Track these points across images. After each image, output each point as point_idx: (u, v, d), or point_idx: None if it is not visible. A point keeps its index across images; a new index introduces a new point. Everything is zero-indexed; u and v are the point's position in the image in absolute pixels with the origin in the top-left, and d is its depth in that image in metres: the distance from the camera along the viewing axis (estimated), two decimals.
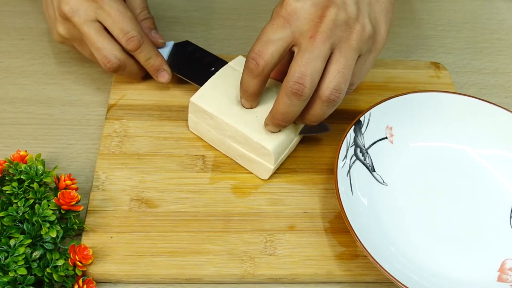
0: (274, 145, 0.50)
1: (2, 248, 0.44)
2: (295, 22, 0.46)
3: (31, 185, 0.47)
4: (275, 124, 0.50)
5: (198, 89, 0.54)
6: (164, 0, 0.71)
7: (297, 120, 0.50)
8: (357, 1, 0.46)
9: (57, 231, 0.45)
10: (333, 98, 0.46)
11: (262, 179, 0.53)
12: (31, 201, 0.46)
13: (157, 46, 0.58)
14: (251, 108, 0.52)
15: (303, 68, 0.45)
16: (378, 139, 0.55)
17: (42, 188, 0.47)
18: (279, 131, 0.51)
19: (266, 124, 0.50)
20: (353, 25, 0.46)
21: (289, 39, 0.46)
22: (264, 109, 0.52)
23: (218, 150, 0.55)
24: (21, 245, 0.44)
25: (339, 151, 0.51)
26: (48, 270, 0.44)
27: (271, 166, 0.52)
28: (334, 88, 0.46)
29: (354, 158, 0.52)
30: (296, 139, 0.54)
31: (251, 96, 0.50)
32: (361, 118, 0.53)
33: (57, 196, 0.47)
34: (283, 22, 0.46)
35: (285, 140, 0.52)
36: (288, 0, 0.46)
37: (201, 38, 0.67)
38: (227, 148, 0.54)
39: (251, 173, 0.54)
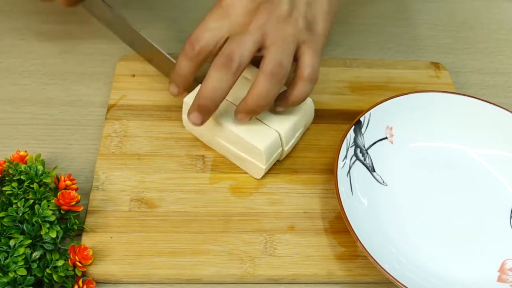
0: (265, 145, 0.50)
1: (2, 249, 0.44)
2: (233, 14, 0.48)
3: (31, 186, 0.47)
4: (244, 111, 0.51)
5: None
6: (164, 0, 0.71)
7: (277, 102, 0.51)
8: (293, 0, 0.49)
9: (57, 232, 0.45)
10: (277, 71, 0.48)
11: (262, 179, 0.53)
12: (31, 201, 0.46)
13: None
14: (178, 95, 0.52)
15: (234, 45, 0.47)
16: (378, 139, 0.55)
17: (42, 189, 0.47)
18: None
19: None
20: (287, 19, 0.49)
21: (225, 29, 0.48)
22: None
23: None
24: (21, 246, 0.44)
25: (339, 151, 0.51)
26: (48, 270, 0.44)
27: (263, 166, 0.52)
28: (276, 60, 0.48)
29: (354, 158, 0.52)
30: (292, 141, 0.54)
31: (181, 78, 0.51)
32: (361, 118, 0.53)
33: (57, 197, 0.47)
34: (222, 13, 0.49)
35: (277, 140, 0.52)
36: None
37: None
38: (221, 148, 0.54)
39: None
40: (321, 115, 0.57)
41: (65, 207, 0.47)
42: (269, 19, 0.48)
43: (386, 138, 0.55)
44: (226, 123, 0.51)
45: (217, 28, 0.48)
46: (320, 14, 0.51)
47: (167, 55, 0.57)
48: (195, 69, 0.50)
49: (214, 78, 0.48)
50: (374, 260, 0.44)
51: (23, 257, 0.43)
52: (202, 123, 0.50)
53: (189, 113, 0.50)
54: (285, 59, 0.48)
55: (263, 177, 0.53)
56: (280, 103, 0.51)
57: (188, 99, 0.53)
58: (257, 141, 0.50)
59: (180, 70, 0.50)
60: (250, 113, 0.50)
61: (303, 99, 0.51)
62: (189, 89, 0.52)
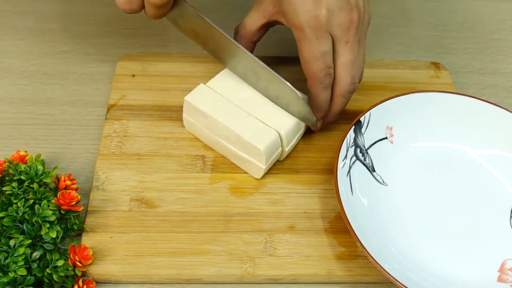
0: (265, 145, 0.50)
1: (2, 249, 0.44)
2: (332, 29, 0.50)
3: (31, 186, 0.47)
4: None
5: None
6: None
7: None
8: None
9: (57, 232, 0.45)
10: (352, 89, 0.53)
11: (262, 179, 0.53)
12: (31, 201, 0.46)
13: None
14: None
15: (354, 72, 0.52)
16: (378, 139, 0.55)
17: (42, 189, 0.47)
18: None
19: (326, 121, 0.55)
20: (365, 19, 0.53)
21: (331, 44, 0.51)
22: (257, 110, 0.52)
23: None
24: (21, 246, 0.44)
25: (339, 151, 0.51)
26: (48, 270, 0.44)
27: (263, 166, 0.52)
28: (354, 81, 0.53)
29: (354, 158, 0.52)
30: (293, 142, 0.54)
31: (323, 108, 0.54)
32: (361, 118, 0.53)
33: (57, 196, 0.47)
34: (325, 33, 0.50)
35: (277, 140, 0.52)
36: (321, 10, 0.49)
37: None
38: (221, 148, 0.54)
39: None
40: None
41: (65, 207, 0.47)
42: (358, 27, 0.51)
43: (386, 138, 0.55)
44: (226, 122, 0.51)
45: (330, 48, 0.51)
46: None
47: (267, 67, 0.52)
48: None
49: (319, 95, 0.52)
50: (374, 260, 0.44)
51: (23, 257, 0.43)
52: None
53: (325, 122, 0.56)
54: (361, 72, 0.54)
55: (263, 177, 0.53)
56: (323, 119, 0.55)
57: (189, 98, 0.53)
58: (257, 141, 0.50)
59: (325, 103, 0.53)
60: (319, 109, 0.54)
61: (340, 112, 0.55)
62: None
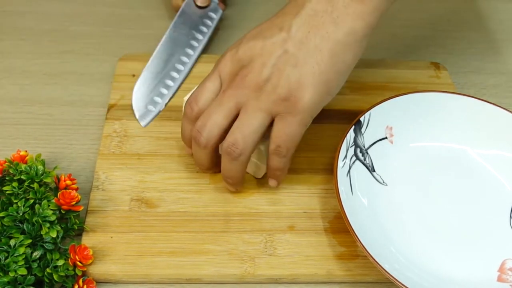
0: (266, 144, 0.50)
1: (2, 248, 0.44)
2: (222, 74, 0.48)
3: (31, 185, 0.47)
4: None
5: None
6: (165, 0, 0.71)
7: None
8: (276, 63, 0.45)
9: (57, 231, 0.45)
10: (229, 151, 0.46)
11: (262, 179, 0.53)
12: (31, 201, 0.46)
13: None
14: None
15: (205, 120, 0.47)
16: (378, 139, 0.55)
17: (42, 188, 0.47)
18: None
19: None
20: (262, 86, 0.46)
21: (219, 89, 0.48)
22: None
23: None
24: (21, 245, 0.44)
25: (339, 151, 0.51)
26: (48, 270, 0.44)
27: (264, 165, 0.52)
28: (231, 142, 0.46)
29: (354, 158, 0.52)
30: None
31: (187, 142, 0.51)
32: (361, 118, 0.53)
33: (57, 196, 0.47)
34: (215, 72, 0.48)
35: None
36: (226, 53, 0.48)
37: None
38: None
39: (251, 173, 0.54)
40: (321, 115, 0.57)
41: (65, 207, 0.47)
42: (243, 87, 0.46)
43: (386, 138, 0.55)
44: None
45: (212, 91, 0.48)
46: (309, 78, 0.45)
47: None
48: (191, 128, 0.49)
49: (194, 150, 0.49)
50: (374, 260, 0.44)
51: (24, 256, 0.43)
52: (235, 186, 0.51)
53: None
54: (240, 138, 0.46)
55: (263, 177, 0.53)
56: (268, 178, 0.51)
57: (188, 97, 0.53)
58: None
59: (184, 131, 0.51)
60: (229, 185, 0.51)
61: (277, 171, 0.50)
62: None
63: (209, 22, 0.64)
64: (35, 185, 0.47)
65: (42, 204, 0.46)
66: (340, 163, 0.50)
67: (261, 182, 0.53)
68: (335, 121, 0.58)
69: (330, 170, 0.53)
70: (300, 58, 0.45)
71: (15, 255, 0.43)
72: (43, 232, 0.45)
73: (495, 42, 0.72)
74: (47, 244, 0.45)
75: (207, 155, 0.49)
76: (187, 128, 0.50)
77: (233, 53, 0.47)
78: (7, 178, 0.49)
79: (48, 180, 0.48)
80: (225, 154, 0.47)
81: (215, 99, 0.48)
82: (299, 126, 0.47)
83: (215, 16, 0.65)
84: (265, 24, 0.48)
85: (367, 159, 0.53)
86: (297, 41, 0.45)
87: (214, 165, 0.51)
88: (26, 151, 0.51)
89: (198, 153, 0.49)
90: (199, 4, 0.63)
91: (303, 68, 0.45)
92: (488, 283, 0.48)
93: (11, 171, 0.48)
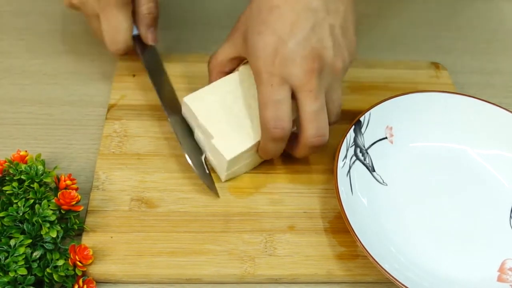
0: (230, 156, 0.50)
1: (2, 248, 0.44)
2: (291, 77, 0.47)
3: (31, 185, 0.47)
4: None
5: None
6: (164, 0, 0.71)
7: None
8: (334, 39, 0.48)
9: (57, 231, 0.45)
10: (321, 140, 0.49)
11: (261, 179, 0.53)
12: (31, 201, 0.46)
13: (145, 43, 0.59)
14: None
15: (320, 124, 0.48)
16: (378, 139, 0.55)
17: (42, 188, 0.47)
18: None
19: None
20: (335, 66, 0.48)
21: (290, 93, 0.48)
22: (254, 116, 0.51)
23: None
24: (21, 245, 0.44)
25: (339, 151, 0.51)
26: (48, 270, 0.44)
27: (224, 172, 0.52)
28: (321, 127, 0.49)
29: (354, 158, 0.52)
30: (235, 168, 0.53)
31: (275, 157, 0.53)
32: (361, 118, 0.53)
33: (57, 196, 0.47)
34: (280, 80, 0.47)
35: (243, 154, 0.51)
36: (279, 56, 0.47)
37: (201, 38, 0.67)
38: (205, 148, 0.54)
39: (251, 173, 0.54)
40: None
41: (65, 207, 0.47)
42: (323, 76, 0.48)
43: (386, 138, 0.55)
44: (209, 128, 0.51)
45: (286, 97, 0.47)
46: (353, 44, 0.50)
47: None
48: (283, 147, 0.51)
49: (307, 152, 0.51)
50: (374, 260, 0.44)
51: (24, 256, 0.43)
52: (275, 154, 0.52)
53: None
54: (326, 124, 0.50)
55: (263, 177, 0.53)
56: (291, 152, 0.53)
57: (187, 100, 0.53)
58: (223, 149, 0.50)
59: (274, 153, 0.51)
60: (265, 156, 0.52)
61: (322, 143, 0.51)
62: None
63: None
64: (35, 185, 0.47)
65: (42, 204, 0.46)
66: (340, 163, 0.50)
67: (261, 182, 0.53)
68: None
69: (330, 170, 0.53)
70: (343, 27, 0.48)
71: (15, 255, 0.43)
72: (43, 232, 0.45)
73: (495, 42, 0.72)
74: (47, 244, 0.45)
75: (283, 146, 0.50)
76: (279, 147, 0.50)
77: (292, 51, 0.47)
78: (7, 178, 0.49)
79: (48, 180, 0.48)
80: (313, 145, 0.49)
81: (304, 102, 0.47)
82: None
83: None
84: (291, 13, 0.47)
85: (367, 159, 0.53)
86: (331, 11, 0.48)
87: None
88: (26, 151, 0.51)
89: (278, 145, 0.50)
90: (150, 43, 0.59)
91: (347, 37, 0.49)
92: (488, 283, 0.48)
93: (11, 171, 0.48)
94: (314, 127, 0.48)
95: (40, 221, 0.45)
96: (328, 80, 0.48)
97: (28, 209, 0.46)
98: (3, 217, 0.45)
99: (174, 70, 0.61)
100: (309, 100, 0.47)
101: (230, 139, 0.50)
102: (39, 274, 0.43)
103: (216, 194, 0.52)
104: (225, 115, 0.51)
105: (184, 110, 0.54)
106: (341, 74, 0.49)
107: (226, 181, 0.53)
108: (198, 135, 0.53)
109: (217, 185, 0.53)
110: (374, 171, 0.54)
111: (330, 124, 0.50)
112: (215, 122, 0.51)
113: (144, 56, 0.59)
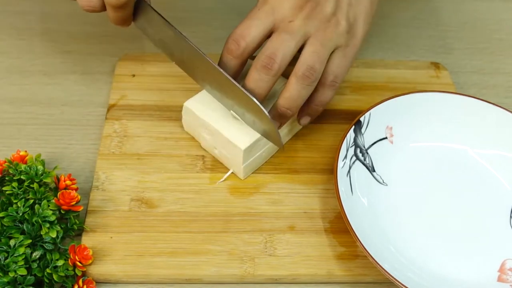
0: (245, 145, 0.50)
1: (2, 248, 0.44)
2: (279, 9, 0.48)
3: (31, 185, 0.47)
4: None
5: None
6: (164, 0, 0.71)
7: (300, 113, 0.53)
8: (337, 0, 0.49)
9: (57, 231, 0.45)
10: (308, 75, 0.48)
11: (261, 179, 0.53)
12: (31, 201, 0.46)
13: None
14: None
15: (277, 45, 0.47)
16: (378, 139, 0.55)
17: (42, 188, 0.47)
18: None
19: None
20: (330, 18, 0.49)
21: (271, 24, 0.48)
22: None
23: None
24: (21, 245, 0.44)
25: (339, 151, 0.51)
26: (48, 270, 0.44)
27: (241, 165, 0.51)
28: (309, 65, 0.48)
29: (354, 158, 0.52)
30: (251, 159, 0.52)
31: (260, 94, 0.50)
32: (361, 118, 0.53)
33: (57, 196, 0.47)
34: (269, 9, 0.48)
35: (258, 142, 0.51)
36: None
37: (201, 38, 0.67)
38: (215, 151, 0.54)
39: (251, 173, 0.54)
40: (321, 115, 0.57)
41: (65, 207, 0.47)
42: (313, 18, 0.48)
43: (386, 138, 0.55)
44: (218, 127, 0.51)
45: (263, 24, 0.48)
46: (363, 15, 0.51)
47: (235, 84, 0.48)
48: (240, 67, 0.50)
49: (255, 80, 0.48)
50: (374, 260, 0.44)
51: (23, 256, 0.43)
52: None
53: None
54: (318, 64, 0.48)
55: (263, 177, 0.53)
56: (302, 114, 0.53)
57: (188, 104, 0.53)
58: (237, 140, 0.50)
59: (225, 68, 0.49)
60: (282, 117, 0.50)
61: (323, 105, 0.52)
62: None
63: None
64: (35, 185, 0.47)
65: (42, 204, 0.46)
66: (340, 163, 0.50)
67: (261, 182, 0.53)
68: (335, 121, 0.58)
69: (330, 170, 0.53)
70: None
71: (15, 255, 0.43)
72: (43, 232, 0.45)
73: (495, 42, 0.72)
74: (47, 244, 0.45)
75: (273, 82, 0.49)
76: (230, 64, 0.49)
77: None
78: (7, 178, 0.49)
79: (48, 180, 0.48)
80: (301, 79, 0.48)
81: (281, 29, 0.47)
82: (353, 59, 0.52)
83: None
84: None
85: (367, 159, 0.53)
86: None
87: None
88: (26, 151, 0.51)
89: (263, 81, 0.48)
90: None
91: (357, 7, 0.50)
92: (488, 283, 0.48)
93: (11, 171, 0.48)
94: (269, 48, 0.47)
95: (40, 221, 0.45)
96: (324, 34, 0.48)
97: (28, 209, 0.46)
98: (3, 217, 0.45)
99: (173, 70, 0.61)
100: (285, 28, 0.47)
101: (241, 130, 0.51)
102: (39, 274, 0.43)
103: (280, 144, 0.50)
104: (228, 112, 0.52)
105: (185, 118, 0.54)
106: (345, 36, 0.49)
107: (245, 178, 0.53)
108: (205, 138, 0.53)
109: (216, 184, 0.53)
110: (374, 171, 0.53)
111: (323, 98, 0.51)
112: (220, 119, 0.51)
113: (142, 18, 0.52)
